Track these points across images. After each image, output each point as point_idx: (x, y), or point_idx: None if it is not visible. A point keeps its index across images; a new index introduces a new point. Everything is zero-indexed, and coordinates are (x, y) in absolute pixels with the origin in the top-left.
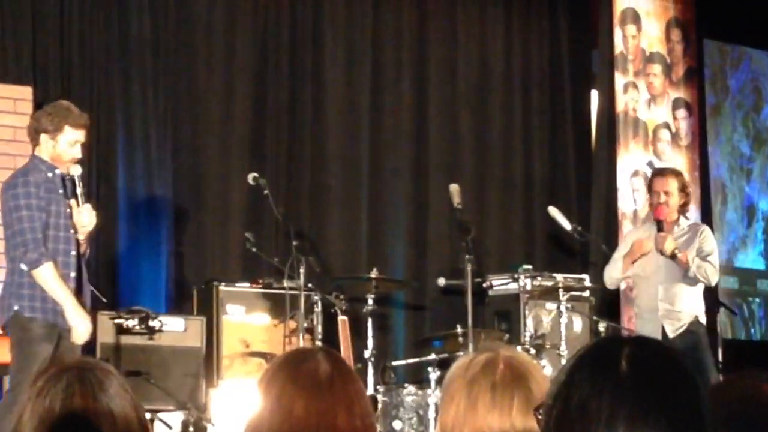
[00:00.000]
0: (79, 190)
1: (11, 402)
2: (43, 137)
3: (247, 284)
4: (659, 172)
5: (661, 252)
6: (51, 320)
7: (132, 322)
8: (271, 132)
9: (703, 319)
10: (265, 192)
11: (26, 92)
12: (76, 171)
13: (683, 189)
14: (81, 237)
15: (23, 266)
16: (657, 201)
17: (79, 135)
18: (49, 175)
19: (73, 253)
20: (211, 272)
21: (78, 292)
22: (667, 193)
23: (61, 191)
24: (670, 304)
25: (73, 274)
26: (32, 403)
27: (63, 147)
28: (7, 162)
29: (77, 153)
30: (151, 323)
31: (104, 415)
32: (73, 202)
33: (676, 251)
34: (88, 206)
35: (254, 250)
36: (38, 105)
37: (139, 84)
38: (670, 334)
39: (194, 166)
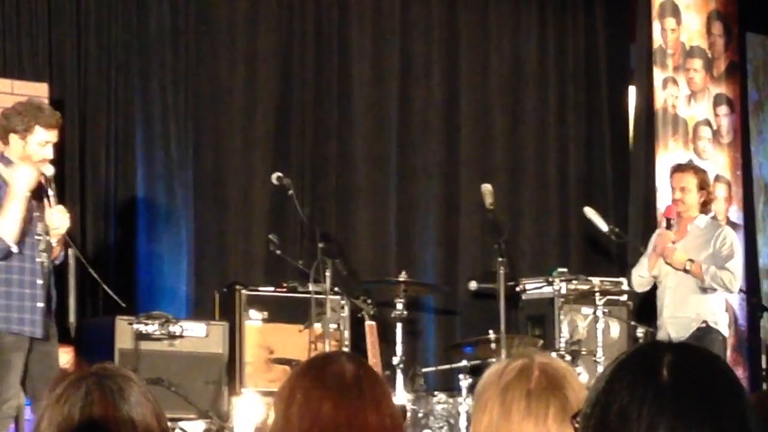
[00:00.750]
0: (51, 192)
1: None
2: (13, 137)
3: (271, 288)
4: (677, 168)
5: (670, 264)
6: (16, 330)
7: (151, 328)
8: (295, 130)
9: (721, 326)
10: (290, 192)
11: (42, 89)
12: (48, 171)
13: (703, 186)
14: (53, 240)
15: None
16: (673, 198)
17: (51, 135)
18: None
19: (39, 259)
20: (233, 276)
21: (47, 300)
22: (683, 190)
23: (27, 194)
24: (676, 310)
25: (39, 281)
26: (50, 410)
27: (33, 148)
28: None
29: (48, 153)
30: (172, 329)
31: (125, 424)
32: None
33: (688, 265)
34: (59, 207)
35: (278, 252)
36: (54, 102)
37: (158, 80)
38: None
39: (216, 166)
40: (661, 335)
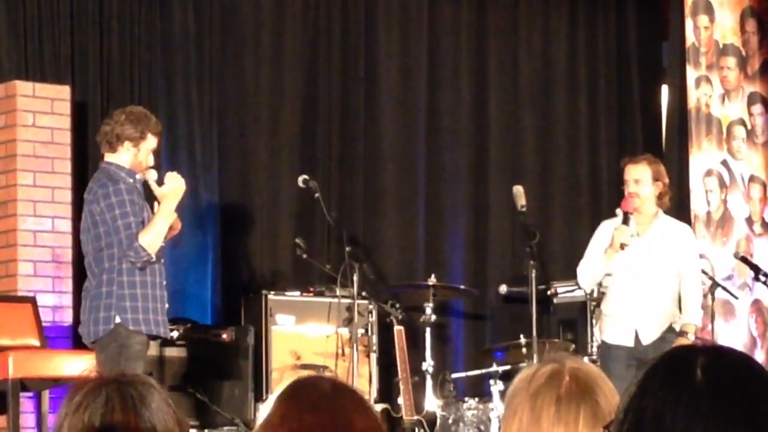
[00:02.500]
0: (158, 194)
1: None
2: (127, 144)
3: (298, 293)
4: (631, 160)
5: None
6: (154, 332)
7: (176, 333)
8: (322, 132)
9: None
10: (316, 195)
11: (64, 91)
12: (153, 176)
13: (657, 178)
14: (162, 243)
15: (133, 261)
16: (627, 191)
17: (157, 142)
18: (131, 181)
19: (163, 260)
20: (259, 280)
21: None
22: (637, 182)
23: (143, 197)
24: (646, 308)
25: (164, 282)
26: (70, 419)
27: (144, 155)
28: (45, 165)
29: (152, 160)
30: (197, 334)
31: (146, 431)
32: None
33: (689, 337)
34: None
35: (305, 256)
36: (76, 105)
37: (182, 82)
38: (645, 341)
39: (241, 169)
40: (619, 333)
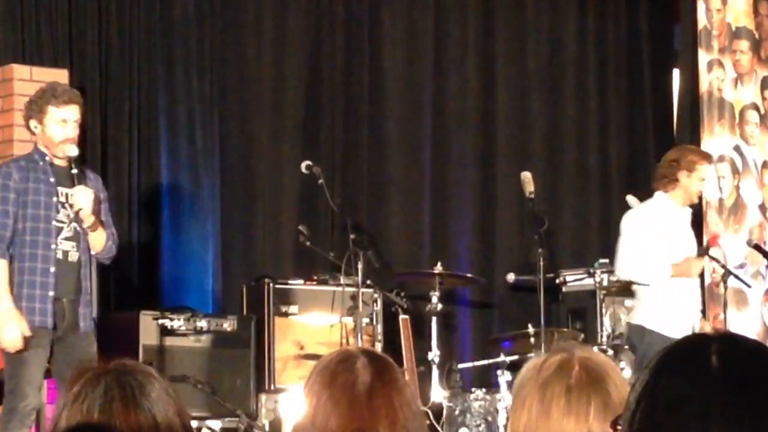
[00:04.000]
0: (74, 171)
1: (6, 411)
2: (32, 123)
3: (301, 281)
4: (709, 158)
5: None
6: (37, 324)
7: (177, 323)
8: (325, 117)
9: None
10: (320, 181)
11: (62, 75)
12: (72, 152)
13: None
14: (85, 224)
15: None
16: (703, 189)
17: (66, 112)
18: (41, 163)
19: (54, 246)
20: (261, 268)
21: (76, 291)
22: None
23: (52, 179)
24: (697, 307)
25: (52, 269)
26: (68, 409)
27: (51, 129)
28: None
29: (69, 132)
30: (198, 323)
31: (146, 422)
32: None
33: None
34: (80, 187)
35: (308, 244)
36: (75, 89)
37: (182, 66)
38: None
39: (243, 155)
40: (681, 328)
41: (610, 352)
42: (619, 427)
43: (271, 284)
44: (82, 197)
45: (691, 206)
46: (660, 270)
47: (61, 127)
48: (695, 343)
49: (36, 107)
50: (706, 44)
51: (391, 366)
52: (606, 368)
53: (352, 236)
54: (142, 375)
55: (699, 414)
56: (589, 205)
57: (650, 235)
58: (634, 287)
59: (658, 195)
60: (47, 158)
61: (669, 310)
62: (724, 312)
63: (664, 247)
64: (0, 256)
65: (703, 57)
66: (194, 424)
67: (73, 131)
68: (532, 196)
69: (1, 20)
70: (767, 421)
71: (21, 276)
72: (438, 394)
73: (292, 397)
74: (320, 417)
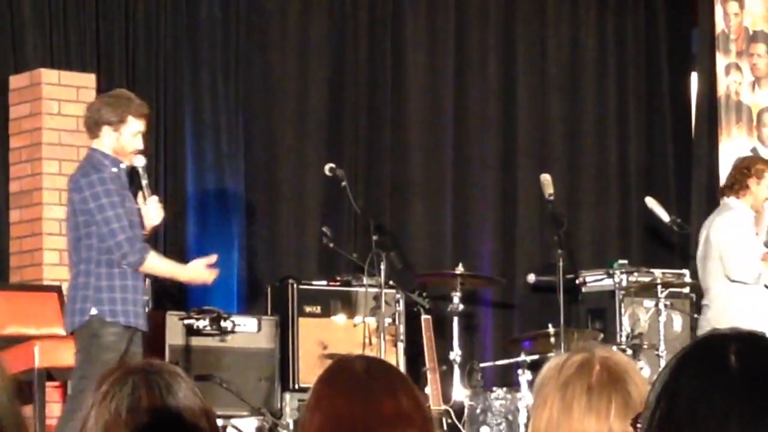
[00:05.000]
0: (144, 183)
1: (72, 409)
2: (105, 129)
3: (324, 282)
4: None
5: None
6: (132, 323)
7: (202, 323)
8: (348, 120)
9: None
10: (343, 183)
11: (89, 80)
12: (140, 162)
13: None
14: (145, 232)
15: (125, 266)
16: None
17: (142, 125)
18: (114, 170)
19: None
20: (285, 269)
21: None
22: None
23: (127, 187)
24: None
25: (137, 283)
26: (96, 408)
27: (127, 139)
28: (71, 153)
29: (139, 144)
30: (223, 324)
31: (173, 420)
32: (139, 196)
33: None
34: (154, 198)
35: (331, 245)
36: (102, 93)
37: (208, 71)
38: None
39: (267, 157)
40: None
41: (630, 351)
42: (639, 426)
43: (295, 285)
44: (155, 210)
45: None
46: (761, 270)
47: (136, 138)
48: (714, 343)
49: (114, 114)
50: (724, 48)
51: (387, 363)
52: (626, 368)
53: (374, 237)
54: (169, 374)
55: (718, 414)
56: (608, 207)
57: (749, 238)
58: (715, 292)
59: (734, 201)
60: (122, 165)
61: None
62: None
63: (755, 249)
64: (145, 252)
65: (721, 60)
66: (220, 422)
67: (141, 143)
68: (552, 197)
69: (30, 25)
70: None
71: (111, 281)
72: (459, 393)
73: None
74: (326, 403)
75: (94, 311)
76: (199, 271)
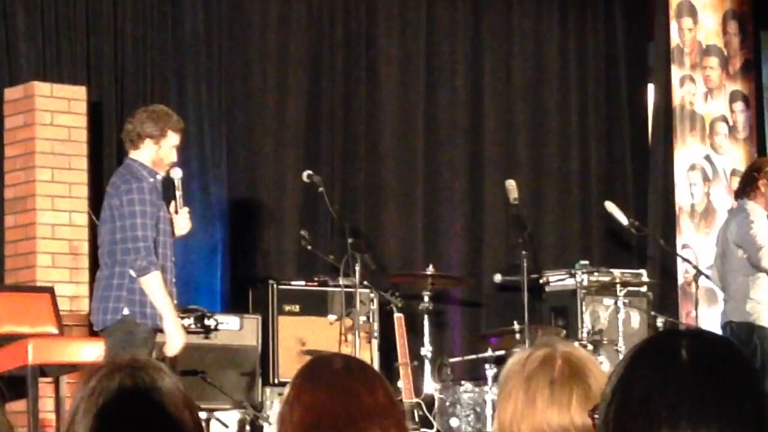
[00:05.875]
0: (179, 194)
1: None
2: (147, 142)
3: (303, 282)
4: None
5: None
6: (159, 325)
7: (187, 321)
8: (325, 129)
9: None
10: (320, 189)
11: (80, 92)
12: (177, 174)
13: None
14: (172, 240)
15: (132, 272)
16: None
17: (178, 139)
18: (151, 180)
19: (174, 259)
20: (266, 270)
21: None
22: None
23: (161, 197)
24: None
25: (174, 280)
26: (85, 402)
27: (166, 151)
28: (63, 162)
29: (175, 157)
30: (207, 322)
31: (157, 414)
32: (172, 205)
33: None
34: (186, 210)
35: (309, 248)
36: (92, 104)
37: (192, 82)
38: None
39: (249, 164)
40: None
41: (590, 347)
42: (596, 417)
43: (275, 285)
44: (186, 221)
45: (665, 210)
46: None
47: (173, 151)
48: (666, 339)
49: (157, 128)
50: (679, 61)
51: (363, 361)
52: (587, 362)
53: (350, 240)
54: (154, 370)
55: (670, 405)
56: (570, 211)
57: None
58: (735, 287)
59: (747, 203)
60: (158, 176)
61: None
62: (696, 309)
63: None
64: (154, 268)
65: (676, 72)
66: (203, 415)
67: (176, 156)
68: (516, 202)
69: (24, 40)
70: (732, 412)
71: None
72: (430, 386)
73: None
74: (306, 396)
75: (126, 311)
76: (179, 339)
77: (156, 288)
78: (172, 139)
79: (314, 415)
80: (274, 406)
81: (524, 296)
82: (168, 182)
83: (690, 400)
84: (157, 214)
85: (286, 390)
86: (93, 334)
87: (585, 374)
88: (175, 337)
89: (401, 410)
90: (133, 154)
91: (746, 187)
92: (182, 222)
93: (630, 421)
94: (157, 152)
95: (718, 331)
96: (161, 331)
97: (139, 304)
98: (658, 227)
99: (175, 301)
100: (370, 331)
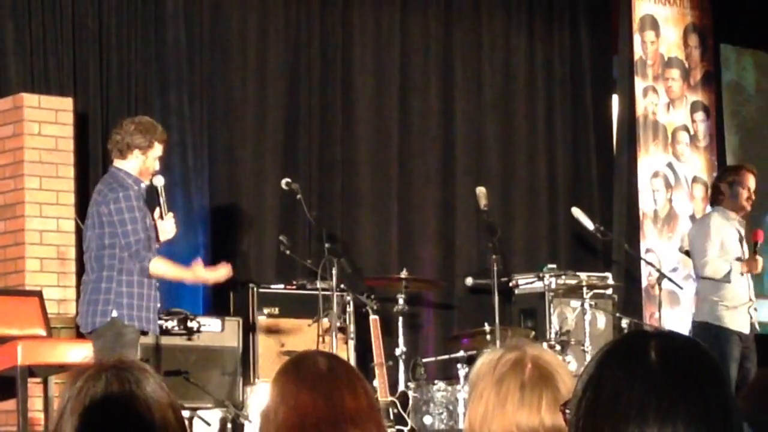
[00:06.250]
0: (162, 200)
1: None
2: (136, 152)
3: (282, 286)
4: (740, 168)
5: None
6: (144, 327)
7: (171, 324)
8: (303, 138)
9: None
10: (298, 196)
11: (67, 103)
12: (160, 182)
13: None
14: (157, 245)
15: (136, 276)
16: (747, 196)
17: (162, 150)
18: (137, 188)
19: None
20: (246, 274)
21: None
22: (750, 189)
23: (145, 204)
24: (753, 299)
25: (158, 284)
26: (72, 401)
27: (151, 162)
28: (50, 170)
29: (158, 165)
30: (190, 324)
31: (142, 412)
32: (157, 212)
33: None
34: (171, 215)
35: (288, 252)
36: (78, 115)
37: (175, 94)
38: (757, 326)
39: (229, 172)
40: (741, 322)
41: (558, 347)
42: (567, 412)
43: (255, 289)
44: (172, 225)
45: (629, 215)
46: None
47: (156, 161)
48: (636, 339)
49: (145, 140)
50: (642, 72)
51: (346, 362)
52: (556, 366)
53: (327, 245)
54: (139, 371)
55: (638, 402)
56: (538, 216)
57: (714, 239)
58: (699, 287)
59: (713, 214)
60: (143, 184)
61: (732, 308)
62: (659, 311)
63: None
64: (149, 259)
65: (639, 84)
66: (186, 414)
67: (158, 165)
68: (486, 208)
69: (12, 53)
70: (698, 410)
71: (131, 288)
72: (404, 385)
73: None
74: (289, 395)
75: (115, 314)
76: (201, 273)
77: (163, 271)
78: (158, 149)
79: (298, 417)
80: (254, 404)
81: (495, 299)
82: (151, 190)
83: (657, 398)
84: (145, 221)
85: (270, 387)
86: (81, 336)
87: (554, 378)
88: (211, 278)
89: (380, 414)
90: (119, 163)
91: (713, 196)
92: (168, 227)
93: (599, 417)
94: (144, 162)
95: (683, 332)
96: (146, 333)
97: (127, 307)
98: (623, 232)
99: (159, 305)
100: (347, 333)
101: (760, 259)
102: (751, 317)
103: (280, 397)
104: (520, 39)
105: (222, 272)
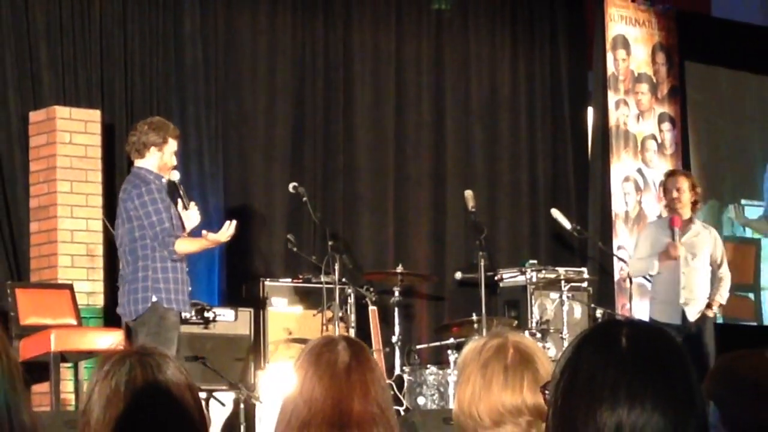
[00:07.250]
0: (181, 192)
1: None
2: (152, 150)
3: (289, 279)
4: (670, 173)
5: (675, 258)
6: (182, 309)
7: (190, 314)
8: (308, 147)
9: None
10: (304, 199)
11: (95, 115)
12: (176, 176)
13: (693, 188)
14: (184, 234)
15: (169, 262)
16: (671, 197)
17: (176, 145)
18: (158, 182)
19: None
20: (257, 269)
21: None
22: (679, 190)
23: (168, 196)
24: (690, 293)
25: (187, 269)
26: (100, 384)
27: (168, 157)
28: (80, 175)
29: (175, 160)
30: (206, 314)
31: (163, 394)
32: (180, 204)
33: (713, 309)
34: (194, 204)
35: (295, 249)
36: (105, 126)
37: (193, 105)
38: (691, 318)
39: (242, 177)
40: (668, 314)
41: (539, 335)
42: (546, 392)
43: (265, 282)
44: (196, 215)
45: (603, 216)
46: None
47: (173, 156)
48: (609, 327)
49: (159, 137)
50: (614, 87)
51: (365, 349)
52: (535, 350)
53: (330, 243)
54: (160, 356)
55: (610, 384)
56: (520, 217)
57: (643, 240)
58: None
59: (654, 219)
60: (163, 179)
61: (659, 302)
62: (630, 302)
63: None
64: (173, 242)
65: (612, 97)
66: (203, 395)
67: (175, 160)
68: (474, 209)
69: (46, 69)
70: (665, 392)
71: (165, 273)
72: (399, 369)
73: (282, 373)
74: (306, 388)
75: (154, 298)
76: (213, 236)
77: (187, 247)
78: (172, 144)
79: (308, 415)
80: (265, 386)
81: (481, 291)
82: (171, 185)
83: (628, 381)
84: (169, 211)
85: (294, 370)
86: (108, 325)
87: (534, 361)
88: (222, 237)
89: (393, 416)
90: (139, 162)
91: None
92: (193, 215)
93: (576, 398)
94: (161, 158)
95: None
96: (184, 322)
97: (165, 291)
98: (597, 231)
99: (190, 288)
100: (348, 322)
101: (678, 245)
102: (683, 311)
103: (299, 391)
104: (504, 56)
105: (231, 229)
